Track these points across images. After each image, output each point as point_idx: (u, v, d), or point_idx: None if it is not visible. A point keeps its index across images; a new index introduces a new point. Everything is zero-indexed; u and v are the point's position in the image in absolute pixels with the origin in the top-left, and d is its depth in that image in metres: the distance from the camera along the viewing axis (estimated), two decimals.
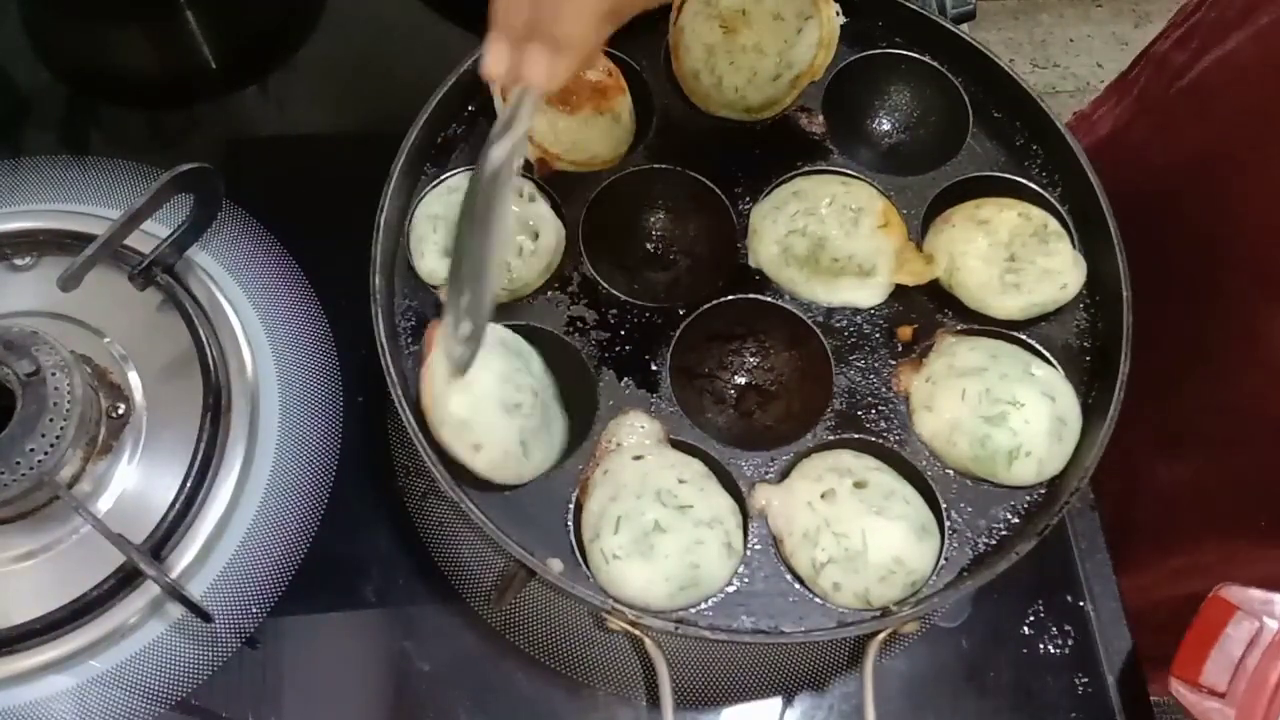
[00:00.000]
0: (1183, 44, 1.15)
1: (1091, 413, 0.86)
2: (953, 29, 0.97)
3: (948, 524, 0.82)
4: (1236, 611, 0.80)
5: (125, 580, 0.84)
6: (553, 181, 0.92)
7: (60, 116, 1.12)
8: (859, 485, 0.81)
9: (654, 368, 0.87)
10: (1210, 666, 0.80)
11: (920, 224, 0.93)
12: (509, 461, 0.80)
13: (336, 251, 0.91)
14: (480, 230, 0.72)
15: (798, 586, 0.80)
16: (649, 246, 0.97)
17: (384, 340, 0.82)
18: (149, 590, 0.84)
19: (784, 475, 0.83)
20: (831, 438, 0.85)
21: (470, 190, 0.73)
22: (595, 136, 0.92)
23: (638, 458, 0.81)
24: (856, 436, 0.85)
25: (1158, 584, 1.17)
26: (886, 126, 1.01)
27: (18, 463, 0.81)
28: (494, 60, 0.69)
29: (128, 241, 0.90)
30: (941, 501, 0.83)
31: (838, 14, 0.93)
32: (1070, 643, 0.91)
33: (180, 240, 0.93)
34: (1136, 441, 1.15)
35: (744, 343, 0.92)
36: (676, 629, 0.76)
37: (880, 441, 0.85)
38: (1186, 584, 1.14)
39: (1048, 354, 0.88)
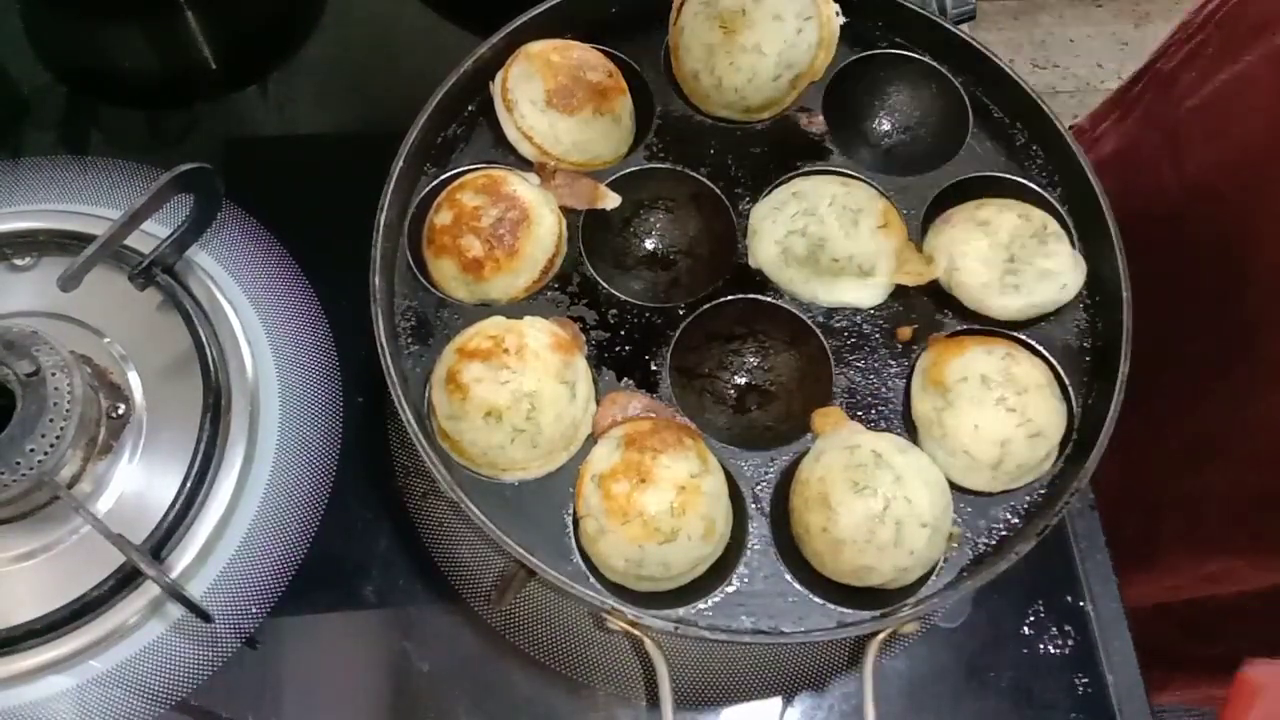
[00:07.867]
0: (1190, 62, 1.13)
1: (1092, 413, 0.86)
2: (953, 29, 0.97)
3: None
4: (1263, 690, 0.77)
5: (125, 580, 0.84)
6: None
7: (60, 116, 1.12)
8: None
9: (654, 368, 0.87)
10: None
11: (920, 224, 0.93)
12: None
13: (336, 251, 0.91)
14: None
15: (798, 586, 0.80)
16: (649, 246, 0.97)
17: (384, 340, 0.82)
18: (149, 590, 0.84)
19: (784, 476, 0.83)
20: None
21: None
22: (595, 137, 0.92)
23: None
24: None
25: (1191, 586, 1.16)
26: (886, 127, 1.01)
27: (18, 463, 0.81)
28: None
29: (128, 241, 0.90)
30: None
31: (838, 14, 0.93)
32: (1070, 643, 0.91)
33: (180, 240, 0.94)
34: (1163, 454, 1.14)
35: (744, 343, 0.92)
36: (676, 629, 0.76)
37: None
38: (1222, 587, 1.13)
39: (1048, 354, 0.88)
